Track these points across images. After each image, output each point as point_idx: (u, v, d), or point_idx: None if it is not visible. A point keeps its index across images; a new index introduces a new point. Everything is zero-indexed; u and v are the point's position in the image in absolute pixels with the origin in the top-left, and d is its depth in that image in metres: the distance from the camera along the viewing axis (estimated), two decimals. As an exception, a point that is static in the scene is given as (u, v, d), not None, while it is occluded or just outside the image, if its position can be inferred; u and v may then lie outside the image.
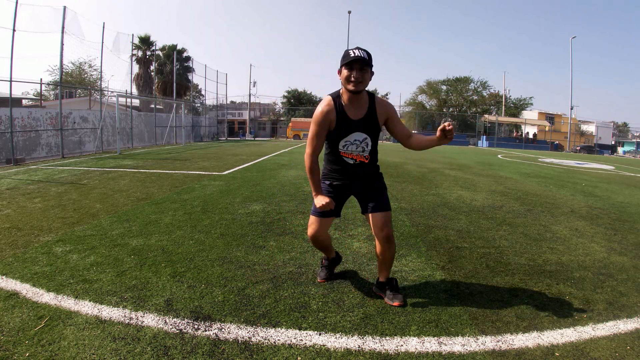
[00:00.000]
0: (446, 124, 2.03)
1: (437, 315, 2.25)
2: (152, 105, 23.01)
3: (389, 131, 2.42)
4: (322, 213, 2.43)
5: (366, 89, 2.27)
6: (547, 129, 40.65)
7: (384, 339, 1.99)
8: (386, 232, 2.32)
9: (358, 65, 2.14)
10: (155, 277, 2.66)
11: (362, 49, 2.17)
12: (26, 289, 2.44)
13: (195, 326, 2.05)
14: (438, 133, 2.09)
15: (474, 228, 4.26)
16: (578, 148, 35.97)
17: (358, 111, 2.28)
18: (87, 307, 2.22)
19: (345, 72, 2.17)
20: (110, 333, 1.96)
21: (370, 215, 2.38)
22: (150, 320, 2.10)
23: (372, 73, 2.23)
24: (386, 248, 2.35)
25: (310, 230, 2.49)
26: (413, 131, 2.39)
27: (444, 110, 43.24)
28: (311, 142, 2.35)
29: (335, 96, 2.30)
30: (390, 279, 2.47)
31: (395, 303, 2.34)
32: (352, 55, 2.13)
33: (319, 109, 2.28)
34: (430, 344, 1.95)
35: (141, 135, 18.61)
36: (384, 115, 2.33)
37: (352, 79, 2.15)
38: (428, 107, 43.97)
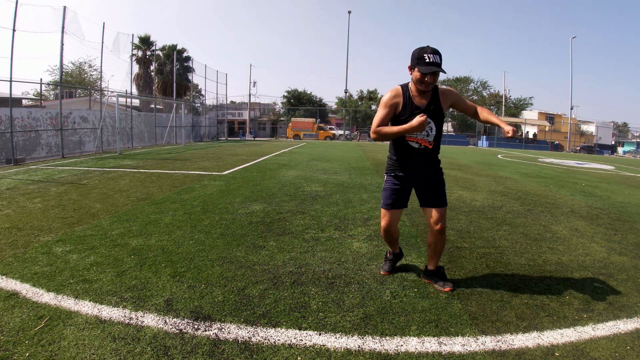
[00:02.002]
0: (510, 133, 2.38)
1: (437, 315, 2.25)
2: (152, 105, 23.01)
3: (460, 111, 2.68)
4: (391, 204, 2.62)
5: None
6: (547, 129, 40.65)
7: (384, 339, 1.99)
8: (441, 225, 2.54)
9: (432, 71, 2.33)
10: (155, 277, 2.66)
11: (436, 53, 2.33)
12: (26, 289, 2.44)
13: (195, 326, 2.05)
14: (506, 133, 2.41)
15: (474, 228, 4.26)
16: (578, 148, 35.97)
17: (423, 99, 2.49)
18: (87, 307, 2.22)
19: (418, 74, 2.36)
20: (110, 333, 1.96)
21: (427, 209, 2.58)
22: (150, 320, 2.10)
23: (443, 71, 2.39)
24: (439, 239, 2.59)
25: (383, 223, 2.68)
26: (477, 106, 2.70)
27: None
28: (377, 120, 2.52)
29: (404, 86, 2.53)
30: (439, 267, 2.69)
31: (447, 289, 2.57)
32: (428, 60, 2.30)
33: (388, 94, 2.52)
34: (430, 344, 1.95)
35: (141, 135, 18.61)
36: (447, 102, 2.54)
37: (426, 80, 2.36)
38: (428, 107, 43.88)
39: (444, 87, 2.59)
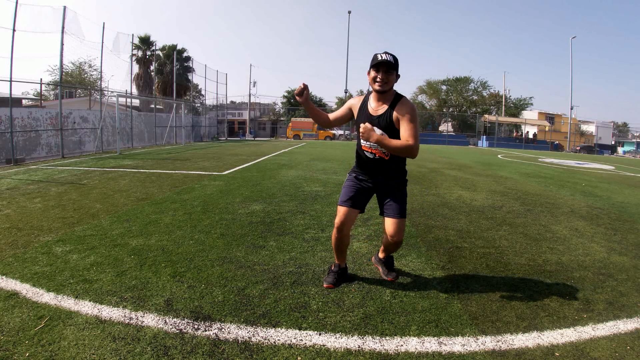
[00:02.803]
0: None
1: (437, 315, 2.25)
2: (152, 105, 23.01)
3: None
4: (346, 201, 2.54)
5: (395, 90, 2.47)
6: (547, 129, 40.65)
7: (384, 339, 1.99)
8: (397, 238, 2.49)
9: (384, 68, 2.33)
10: (155, 277, 2.66)
11: (389, 54, 2.35)
12: (26, 289, 2.44)
13: (195, 326, 2.05)
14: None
15: (474, 228, 4.26)
16: (578, 148, 35.97)
17: (379, 108, 2.44)
18: (87, 307, 2.22)
19: (372, 73, 2.37)
20: (110, 333, 1.96)
21: (385, 219, 2.53)
22: (150, 320, 2.10)
23: (398, 76, 2.41)
24: (392, 247, 2.62)
25: (337, 220, 2.55)
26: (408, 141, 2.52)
27: (444, 110, 43.25)
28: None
29: (368, 92, 2.57)
30: (389, 256, 2.81)
31: (389, 278, 2.71)
32: (379, 58, 2.32)
33: (350, 99, 2.63)
34: (430, 344, 1.95)
35: (141, 135, 18.61)
36: (397, 114, 2.37)
37: (378, 79, 2.35)
38: (428, 107, 43.99)
39: (408, 101, 2.42)
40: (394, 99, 2.41)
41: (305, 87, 2.39)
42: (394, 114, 2.37)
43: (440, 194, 6.39)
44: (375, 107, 2.44)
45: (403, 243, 3.58)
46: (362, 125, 2.32)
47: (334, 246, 2.60)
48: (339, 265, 2.68)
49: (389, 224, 2.48)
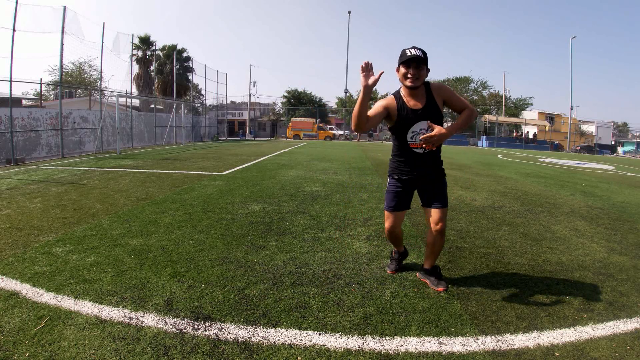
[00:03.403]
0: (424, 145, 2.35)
1: (437, 315, 2.25)
2: (152, 105, 23.01)
3: (451, 109, 2.55)
4: (395, 207, 2.64)
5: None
6: (547, 129, 40.64)
7: (384, 339, 1.99)
8: (441, 226, 2.53)
9: (415, 64, 2.32)
10: (155, 277, 2.66)
11: (418, 48, 2.33)
12: (26, 289, 2.44)
13: (195, 326, 2.05)
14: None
15: (474, 228, 4.26)
16: (578, 148, 35.96)
17: (418, 102, 2.44)
18: (87, 307, 2.22)
19: (402, 69, 2.36)
20: (110, 333, 1.96)
21: (429, 209, 2.58)
22: (150, 320, 2.10)
23: (428, 70, 2.40)
24: (438, 240, 2.58)
25: (387, 224, 2.70)
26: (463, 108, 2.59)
27: (444, 110, 43.19)
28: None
29: (397, 93, 2.51)
30: (436, 266, 2.70)
31: (440, 288, 2.58)
32: (409, 54, 2.30)
33: (380, 102, 2.49)
34: (430, 344, 1.95)
35: (141, 135, 18.61)
36: (440, 98, 2.47)
37: (409, 76, 2.34)
38: (428, 107, 43.88)
39: (436, 82, 2.54)
40: (427, 89, 2.45)
41: (380, 74, 2.18)
42: (437, 101, 2.43)
43: (440, 194, 6.38)
44: (414, 103, 2.43)
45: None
46: (435, 129, 2.30)
47: (391, 242, 2.88)
48: (398, 252, 2.95)
49: (436, 213, 2.53)
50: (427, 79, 2.47)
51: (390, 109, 2.45)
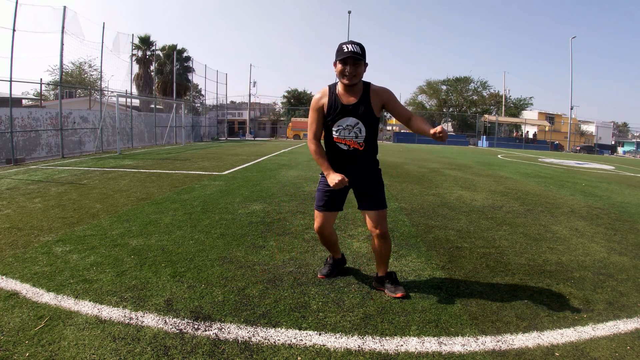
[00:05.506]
0: (437, 129, 2.10)
1: (437, 315, 2.25)
2: (152, 105, 23.00)
3: (392, 115, 2.48)
4: (323, 206, 2.51)
5: (362, 79, 2.35)
6: (547, 129, 40.65)
7: (384, 339, 1.99)
8: (380, 229, 2.40)
9: (351, 60, 2.22)
10: (155, 277, 2.66)
11: (355, 43, 2.25)
12: (26, 289, 2.44)
13: (195, 326, 2.05)
14: (431, 135, 2.14)
15: (474, 228, 4.26)
16: (578, 148, 35.97)
17: (351, 98, 2.35)
18: (87, 307, 2.22)
19: (339, 66, 2.26)
20: (110, 333, 1.96)
21: (365, 212, 2.46)
22: (150, 320, 2.10)
23: (366, 65, 2.31)
24: (382, 244, 2.45)
25: (316, 224, 2.57)
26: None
27: (444, 110, 43.23)
28: (310, 128, 2.45)
29: (332, 85, 2.42)
30: (390, 272, 2.57)
31: (398, 294, 2.43)
32: (346, 50, 2.21)
33: (315, 96, 2.43)
34: (430, 344, 1.95)
35: (141, 135, 18.61)
36: (379, 102, 2.36)
37: (347, 73, 2.24)
38: (428, 107, 43.97)
39: (378, 86, 2.39)
40: (364, 88, 2.35)
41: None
42: (373, 102, 2.33)
43: (440, 194, 6.39)
44: (348, 99, 2.33)
45: (401, 243, 3.58)
46: (439, 126, 2.10)
47: (322, 244, 2.72)
48: (333, 257, 2.79)
49: (372, 215, 2.40)
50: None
51: (323, 105, 2.37)
